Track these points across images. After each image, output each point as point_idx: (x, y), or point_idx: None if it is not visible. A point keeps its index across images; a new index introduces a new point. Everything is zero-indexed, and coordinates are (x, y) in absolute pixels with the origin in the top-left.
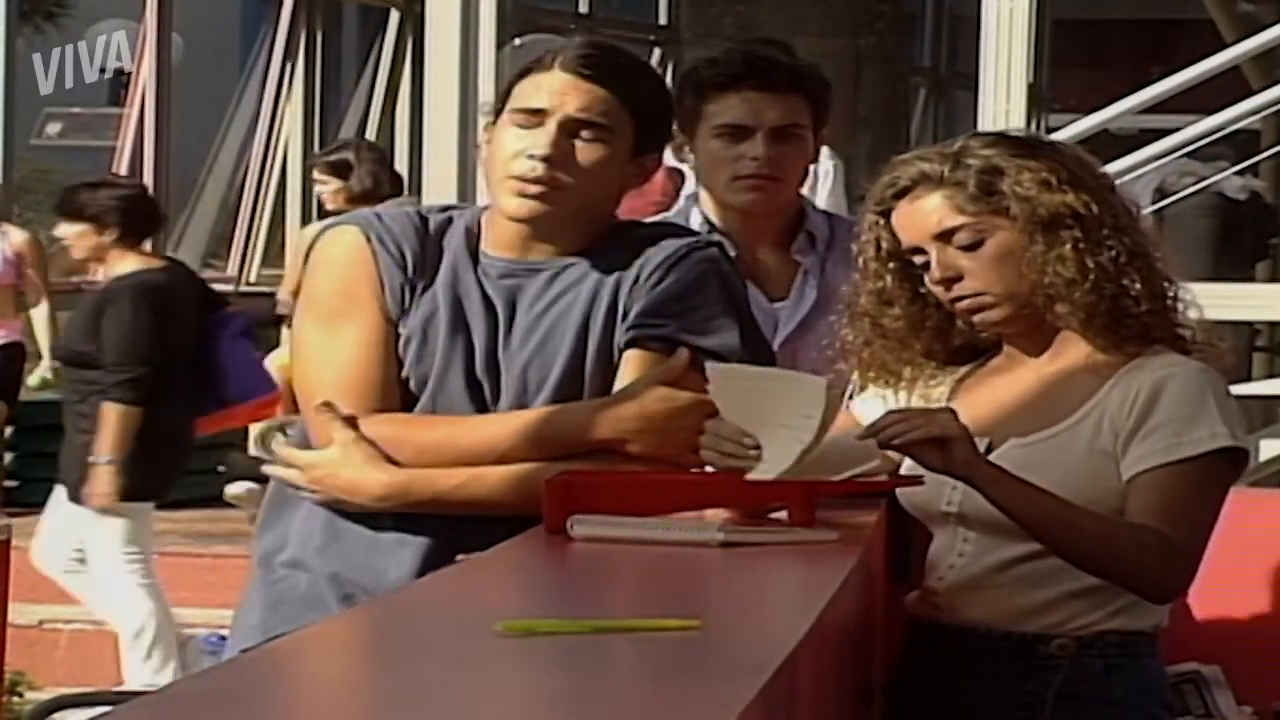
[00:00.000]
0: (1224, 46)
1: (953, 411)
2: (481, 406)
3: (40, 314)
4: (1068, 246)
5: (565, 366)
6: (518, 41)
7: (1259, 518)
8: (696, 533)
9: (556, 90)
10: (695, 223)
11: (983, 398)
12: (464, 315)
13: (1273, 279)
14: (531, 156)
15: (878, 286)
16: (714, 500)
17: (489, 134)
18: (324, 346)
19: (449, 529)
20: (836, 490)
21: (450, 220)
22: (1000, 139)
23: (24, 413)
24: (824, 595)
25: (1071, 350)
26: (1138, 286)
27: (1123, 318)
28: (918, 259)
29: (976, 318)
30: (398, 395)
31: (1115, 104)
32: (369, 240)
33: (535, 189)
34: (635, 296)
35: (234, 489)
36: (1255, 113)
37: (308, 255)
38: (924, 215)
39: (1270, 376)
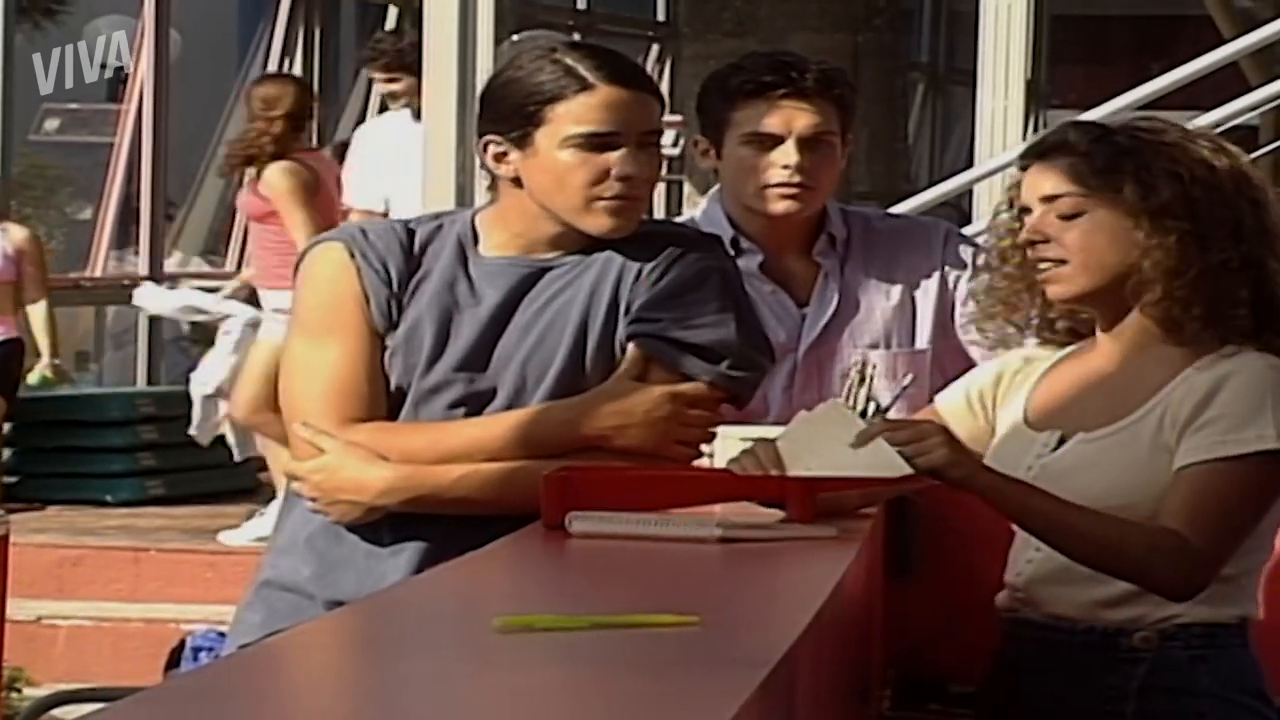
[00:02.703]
0: (1222, 42)
1: (945, 430)
2: (469, 410)
3: (38, 311)
4: (1173, 238)
5: (565, 362)
6: (515, 38)
7: None
8: (695, 528)
9: (623, 109)
10: (721, 226)
11: (1058, 388)
12: (453, 320)
13: None
14: (624, 179)
15: (1003, 244)
16: (712, 495)
17: (519, 156)
18: (310, 361)
19: (447, 534)
20: (835, 487)
21: (440, 227)
22: (1167, 128)
23: (23, 409)
24: (823, 590)
25: (1146, 344)
26: (1243, 293)
27: (1211, 320)
28: (1026, 218)
29: (1050, 288)
30: (384, 407)
31: (1113, 100)
32: (353, 256)
33: (632, 205)
34: (637, 292)
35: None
36: (1253, 109)
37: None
38: (1043, 177)
39: None
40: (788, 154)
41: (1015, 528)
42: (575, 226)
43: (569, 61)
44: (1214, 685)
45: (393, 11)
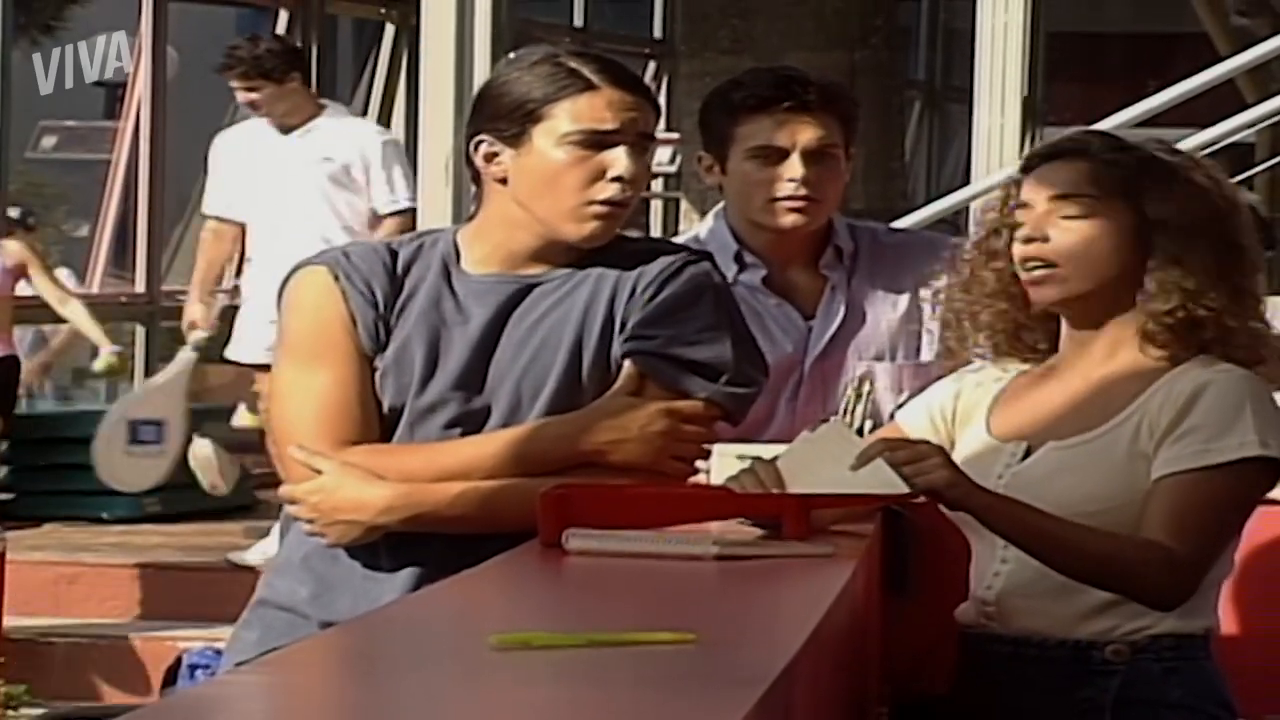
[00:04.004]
0: (1218, 60)
1: (943, 450)
2: (465, 429)
3: (75, 310)
4: (1169, 257)
5: (560, 379)
6: (513, 55)
7: (1252, 530)
8: (691, 546)
9: (623, 109)
10: (725, 241)
11: (1024, 399)
12: (442, 339)
13: (1269, 292)
14: (620, 179)
15: (989, 243)
16: (709, 513)
17: (510, 155)
18: (300, 387)
19: (444, 556)
20: (831, 504)
21: (421, 247)
22: (1178, 152)
23: (19, 426)
24: (820, 608)
25: (1120, 356)
26: (1214, 308)
27: (1186, 334)
28: (1020, 215)
29: (1035, 290)
30: (376, 430)
31: (1110, 117)
32: (337, 279)
33: (618, 212)
34: (631, 309)
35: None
36: (1249, 126)
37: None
38: (1056, 175)
39: None
40: (793, 167)
41: (974, 543)
42: (553, 234)
43: (572, 64)
44: (1185, 696)
45: (389, 29)
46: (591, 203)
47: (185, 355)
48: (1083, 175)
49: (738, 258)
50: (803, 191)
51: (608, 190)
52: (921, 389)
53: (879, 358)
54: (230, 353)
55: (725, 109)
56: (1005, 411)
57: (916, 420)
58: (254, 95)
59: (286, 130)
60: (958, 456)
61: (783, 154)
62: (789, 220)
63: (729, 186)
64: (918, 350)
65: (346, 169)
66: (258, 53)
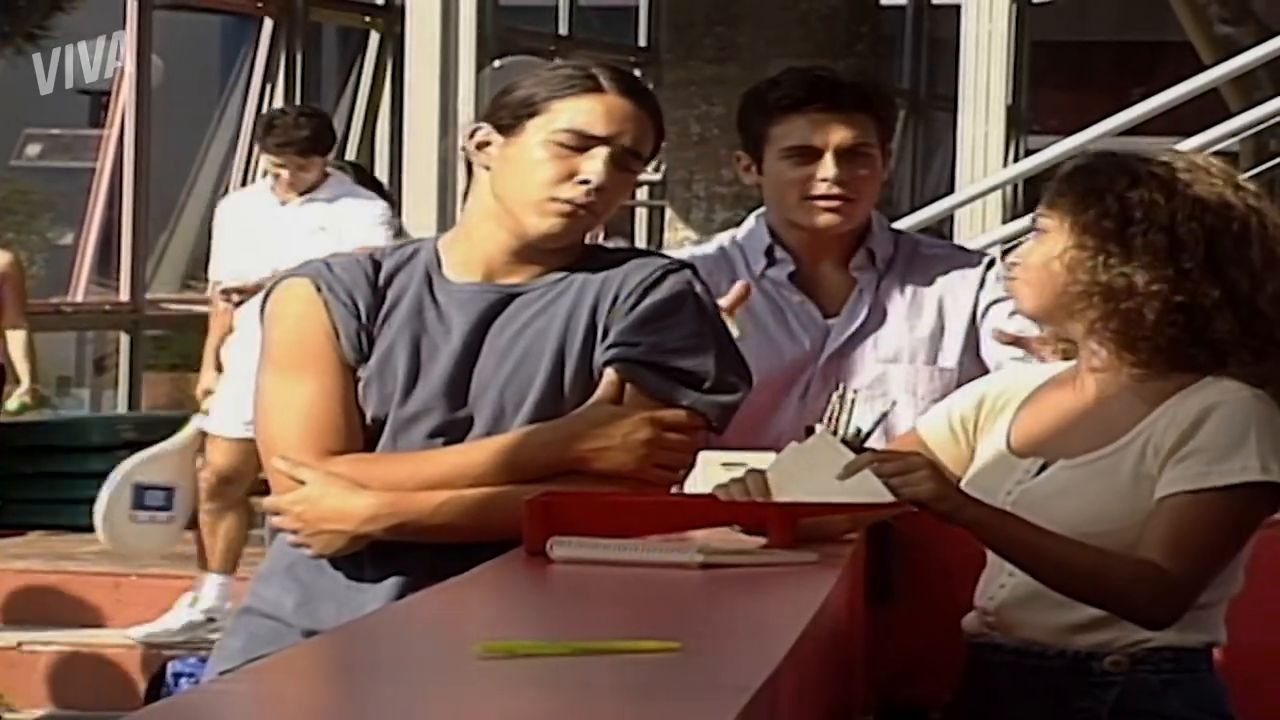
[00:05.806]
0: (1203, 68)
1: (932, 463)
2: (449, 438)
3: (17, 338)
4: (1120, 262)
5: (544, 387)
6: (497, 63)
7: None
8: (676, 554)
9: (617, 119)
10: (761, 237)
11: (1042, 414)
12: (425, 347)
13: None
14: (587, 183)
15: None
16: (694, 521)
17: (499, 144)
18: (284, 397)
19: (429, 566)
20: (816, 512)
21: (405, 257)
22: (1155, 157)
23: (4, 434)
24: (804, 616)
25: (1119, 371)
26: (1151, 315)
27: (1138, 341)
28: None
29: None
30: (360, 440)
31: (1095, 126)
32: (319, 290)
33: (581, 214)
34: (614, 317)
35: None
36: (1234, 135)
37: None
38: None
39: None
40: (826, 167)
41: (988, 553)
42: (519, 227)
43: (592, 70)
44: (1184, 709)
45: (374, 37)
46: (555, 200)
47: (197, 421)
48: (1047, 196)
49: (768, 252)
50: (836, 190)
51: (573, 191)
52: (932, 392)
53: (895, 359)
54: (209, 425)
55: (760, 109)
56: (1026, 424)
57: (937, 429)
58: (301, 173)
59: (285, 199)
60: (974, 466)
61: (816, 153)
62: (824, 219)
63: (766, 185)
64: (938, 355)
65: (340, 239)
66: (314, 129)
